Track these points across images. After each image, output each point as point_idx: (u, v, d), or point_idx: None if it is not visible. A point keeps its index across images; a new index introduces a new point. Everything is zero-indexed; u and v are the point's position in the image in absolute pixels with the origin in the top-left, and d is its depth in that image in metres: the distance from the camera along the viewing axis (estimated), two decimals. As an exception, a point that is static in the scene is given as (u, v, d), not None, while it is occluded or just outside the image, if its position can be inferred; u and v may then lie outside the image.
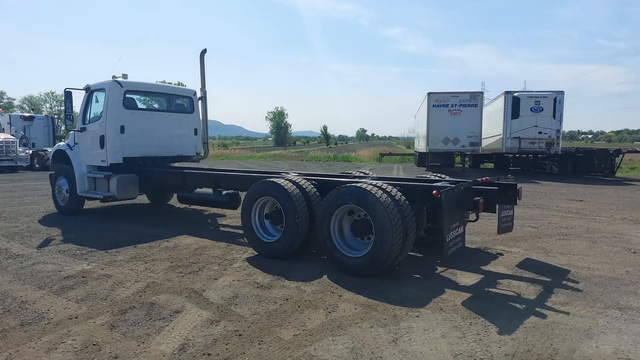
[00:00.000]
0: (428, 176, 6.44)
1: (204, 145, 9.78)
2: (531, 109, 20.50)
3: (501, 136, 21.23)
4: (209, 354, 3.23)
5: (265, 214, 6.03)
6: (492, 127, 22.99)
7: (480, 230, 7.62)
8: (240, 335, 3.55)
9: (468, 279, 5.04)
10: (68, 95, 8.45)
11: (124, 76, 8.58)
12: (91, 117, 8.66)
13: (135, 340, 3.47)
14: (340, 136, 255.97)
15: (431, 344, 3.40)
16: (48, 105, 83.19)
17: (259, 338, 3.49)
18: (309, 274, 5.14)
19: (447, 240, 4.53)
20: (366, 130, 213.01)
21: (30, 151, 23.35)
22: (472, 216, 5.77)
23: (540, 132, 20.46)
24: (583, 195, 13.27)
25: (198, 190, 7.97)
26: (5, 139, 21.75)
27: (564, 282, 4.93)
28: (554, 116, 20.37)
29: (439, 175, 6.49)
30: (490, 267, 5.49)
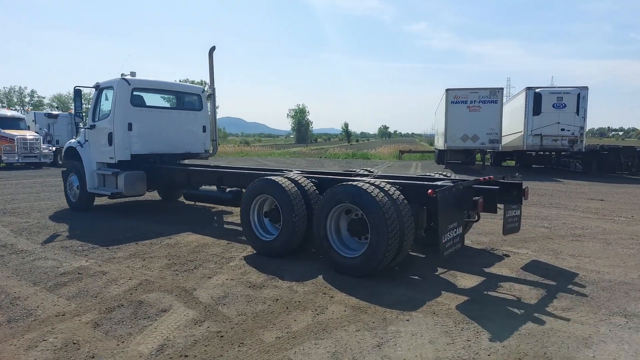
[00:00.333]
0: (432, 175, 6.25)
1: (213, 142, 9.78)
2: (553, 105, 19.90)
3: (522, 133, 20.69)
4: (186, 356, 3.17)
5: (265, 212, 5.95)
6: (514, 124, 22.42)
7: (488, 230, 7.38)
8: (222, 336, 3.48)
9: (468, 281, 4.87)
10: (78, 93, 8.56)
11: (132, 74, 8.63)
12: (100, 114, 8.75)
13: (115, 339, 3.43)
14: (362, 133, 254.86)
15: (417, 350, 3.26)
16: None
17: (240, 340, 3.41)
18: (304, 274, 5.05)
19: (443, 240, 4.37)
20: (388, 128, 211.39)
21: (54, 148, 23.90)
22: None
23: (562, 129, 19.85)
24: (605, 194, 12.79)
25: (203, 187, 7.96)
26: (29, 136, 22.30)
27: (570, 286, 4.70)
28: (577, 112, 19.73)
29: (443, 173, 6.29)
30: (493, 269, 5.29)
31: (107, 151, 8.50)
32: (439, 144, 26.18)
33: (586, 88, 19.86)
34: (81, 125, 8.92)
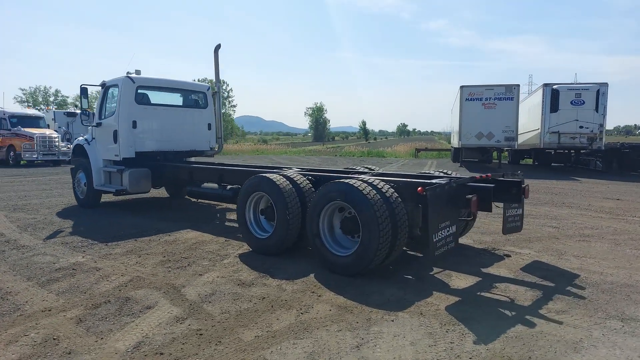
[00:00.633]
0: (431, 172, 6.12)
1: (218, 140, 9.79)
2: (571, 102, 19.41)
3: (539, 131, 20.24)
4: (161, 353, 3.15)
5: (261, 210, 5.92)
6: (531, 121, 21.96)
7: (492, 229, 7.21)
8: (201, 334, 3.45)
9: (463, 281, 4.74)
10: (83, 91, 8.66)
11: (137, 72, 8.70)
12: (106, 112, 8.84)
13: (95, 336, 3.43)
14: (380, 131, 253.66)
15: (396, 352, 3.17)
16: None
17: (219, 338, 3.38)
18: (296, 272, 4.99)
19: (434, 240, 4.26)
20: (407, 126, 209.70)
21: (72, 146, 24.35)
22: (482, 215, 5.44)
23: (581, 127, 19.35)
24: (623, 193, 12.41)
25: (205, 185, 7.97)
26: (48, 134, 22.76)
27: (568, 287, 4.54)
28: (596, 110, 19.20)
29: (444, 171, 6.16)
30: (491, 270, 5.14)
31: (113, 149, 8.59)
32: (454, 141, 25.83)
33: (606, 84, 19.31)
34: (87, 122, 9.02)
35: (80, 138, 9.63)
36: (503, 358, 3.09)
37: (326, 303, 4.09)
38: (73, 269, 5.10)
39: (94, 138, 9.11)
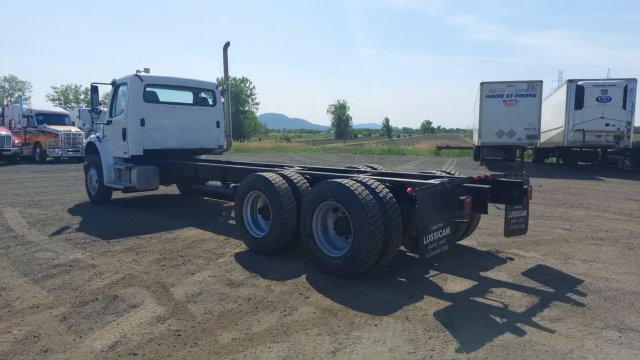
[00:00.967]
0: (434, 172, 5.96)
1: (227, 137, 9.81)
2: (597, 99, 18.75)
3: (563, 129, 19.63)
4: (135, 354, 3.13)
5: (259, 209, 5.88)
6: (555, 119, 21.32)
7: (500, 231, 6.95)
8: (178, 335, 3.42)
9: (458, 285, 4.60)
10: (94, 89, 8.80)
11: (146, 70, 8.78)
12: (116, 110, 8.96)
13: (75, 334, 3.45)
14: (404, 129, 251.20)
15: (373, 359, 3.07)
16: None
17: (195, 340, 3.34)
18: (288, 273, 4.93)
19: (425, 242, 4.12)
20: (431, 123, 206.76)
21: (85, 143, 24.90)
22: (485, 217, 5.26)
23: (607, 124, 18.68)
24: (647, 194, 11.90)
25: (209, 182, 7.99)
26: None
27: (569, 294, 4.34)
28: (624, 106, 18.50)
29: (446, 170, 5.98)
30: (490, 273, 4.97)
31: (122, 146, 8.70)
32: (475, 139, 25.33)
33: (634, 80, 18.58)
34: (97, 120, 9.17)
35: (92, 136, 9.79)
36: (483, 368, 2.96)
37: (312, 305, 4.02)
38: (70, 266, 5.17)
39: (105, 136, 9.25)
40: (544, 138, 23.04)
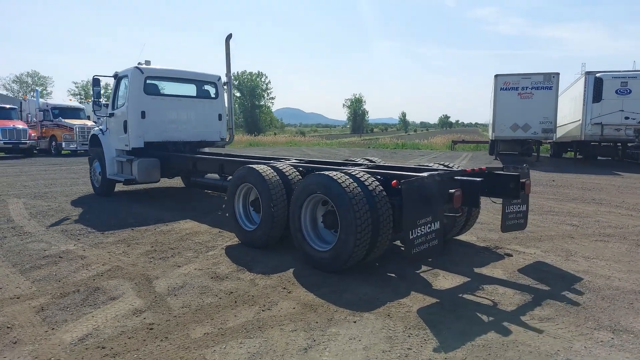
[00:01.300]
0: (431, 165, 5.78)
1: (229, 130, 9.75)
2: (616, 92, 18.16)
3: (580, 122, 19.08)
4: (103, 347, 3.07)
5: (251, 202, 5.79)
6: (573, 112, 20.76)
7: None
8: (151, 329, 3.35)
9: (448, 281, 4.43)
10: (96, 82, 8.82)
11: (147, 62, 8.76)
12: (118, 103, 8.97)
13: (48, 325, 3.40)
14: (421, 123, 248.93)
15: (345, 356, 2.95)
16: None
17: (167, 334, 3.27)
18: (275, 266, 4.84)
19: (411, 237, 3.97)
20: (449, 117, 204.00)
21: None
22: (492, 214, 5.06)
23: (626, 118, 18.08)
24: (665, 190, 11.46)
25: (208, 175, 7.94)
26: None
27: (564, 292, 4.14)
28: (644, 99, 17.86)
29: (444, 163, 5.79)
30: (484, 270, 4.79)
31: (123, 138, 8.71)
32: (490, 133, 24.85)
33: (656, 72, 17.92)
34: (98, 113, 9.20)
35: (96, 128, 9.84)
36: (460, 369, 2.82)
37: (293, 300, 3.91)
38: (60, 257, 5.16)
39: (107, 128, 9.28)
40: (561, 132, 22.47)
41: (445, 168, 5.47)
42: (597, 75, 18.47)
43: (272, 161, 6.72)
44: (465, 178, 4.46)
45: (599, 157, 22.36)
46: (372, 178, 4.62)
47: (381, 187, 4.54)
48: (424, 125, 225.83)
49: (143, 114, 8.52)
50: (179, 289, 4.17)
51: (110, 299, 3.94)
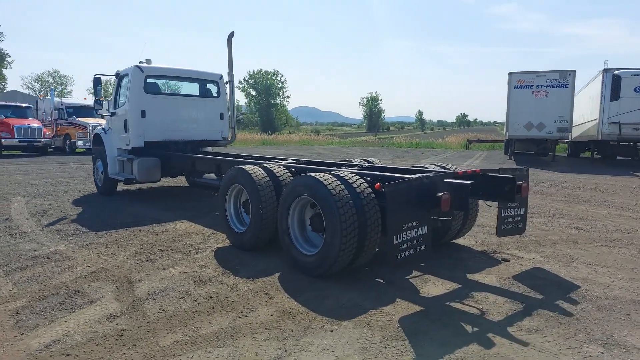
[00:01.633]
0: (427, 166, 5.59)
1: (231, 130, 9.67)
2: (635, 89, 17.57)
3: (597, 121, 18.54)
4: (68, 354, 3.00)
5: (242, 203, 5.70)
6: (590, 111, 20.19)
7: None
8: (121, 335, 3.27)
9: (438, 288, 4.27)
10: (97, 81, 8.82)
11: (148, 61, 8.73)
12: (120, 102, 8.96)
13: (19, 330, 3.35)
14: (438, 121, 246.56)
15: (313, 369, 2.83)
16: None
17: (136, 342, 3.18)
18: (262, 270, 4.73)
19: (396, 242, 3.81)
20: (467, 115, 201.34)
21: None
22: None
23: (646, 116, 17.48)
24: (682, 191, 11.03)
25: (206, 175, 7.88)
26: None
27: (558, 301, 3.94)
28: (664, 97, 17.26)
29: (440, 164, 5.60)
30: (477, 276, 4.61)
31: (124, 138, 8.70)
32: (505, 133, 24.38)
33: (677, 69, 17.31)
34: (100, 112, 9.22)
35: (99, 127, 9.87)
36: (433, 385, 2.67)
37: (272, 307, 3.80)
38: (48, 258, 5.13)
39: (110, 127, 9.30)
40: (579, 131, 21.91)
41: (441, 169, 5.29)
42: (615, 72, 17.91)
43: (267, 161, 6.62)
44: (454, 181, 4.28)
45: (617, 157, 21.72)
46: (361, 180, 4.48)
47: (370, 190, 4.39)
48: (442, 123, 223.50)
49: (143, 113, 8.49)
50: (158, 293, 4.08)
51: (87, 302, 3.88)
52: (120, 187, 9.99)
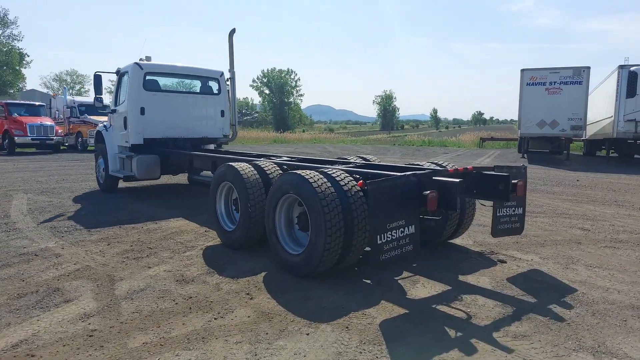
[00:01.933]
0: (422, 164, 5.42)
1: (232, 127, 9.59)
2: (652, 86, 17.03)
3: (613, 119, 18.04)
4: (32, 355, 2.92)
5: (234, 201, 5.60)
6: (606, 108, 19.66)
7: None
8: (91, 336, 3.18)
9: (426, 290, 4.11)
10: (97, 78, 8.80)
11: (147, 58, 8.70)
12: (120, 99, 8.95)
13: (-11, 329, 3.30)
14: (454, 120, 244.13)
15: (281, 374, 2.70)
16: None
17: (104, 342, 3.09)
18: (249, 270, 4.62)
19: (379, 242, 3.66)
20: (483, 114, 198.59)
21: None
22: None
23: (663, 114, 16.95)
24: (699, 191, 10.63)
25: (203, 172, 7.81)
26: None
27: (551, 305, 3.76)
28: (683, 94, 16.71)
29: (436, 162, 5.42)
30: (470, 278, 4.43)
31: (123, 135, 8.69)
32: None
33: (696, 64, 16.73)
34: (101, 110, 9.21)
35: (101, 125, 9.88)
36: (404, 394, 2.52)
37: (251, 308, 3.68)
38: (35, 255, 5.10)
39: (111, 125, 9.29)
40: (594, 129, 21.38)
41: (436, 167, 5.12)
42: (632, 68, 17.39)
43: (262, 159, 6.50)
44: (443, 179, 4.10)
45: (635, 156, 21.13)
46: (349, 178, 4.34)
47: (358, 188, 4.24)
48: (457, 122, 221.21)
49: (142, 110, 8.45)
50: (138, 293, 4.00)
51: (64, 301, 3.81)
52: (122, 184, 9.98)
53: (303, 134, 47.83)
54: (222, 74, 9.49)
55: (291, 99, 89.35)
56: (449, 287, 4.17)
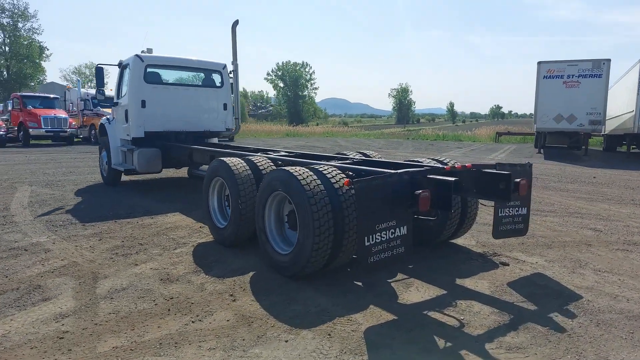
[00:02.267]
0: (421, 161, 5.17)
1: (235, 120, 9.44)
2: (675, 80, 16.38)
3: (633, 113, 17.41)
4: (-3, 358, 2.81)
5: (226, 196, 5.44)
6: (627, 102, 19.00)
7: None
8: (61, 338, 3.06)
9: (420, 294, 3.89)
10: (99, 70, 8.72)
11: (149, 51, 8.58)
12: (122, 92, 8.85)
13: (-40, 328, 3.19)
14: (471, 113, 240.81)
15: (251, 386, 2.53)
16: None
17: (73, 346, 2.96)
18: (237, 269, 4.46)
19: (367, 243, 3.45)
20: (501, 107, 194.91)
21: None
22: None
23: (686, 109, 16.30)
24: None
25: (202, 167, 7.67)
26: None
27: (552, 314, 3.51)
28: None
29: (437, 159, 5.17)
30: (467, 282, 4.20)
31: (125, 128, 8.60)
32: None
33: None
34: (102, 103, 9.14)
35: (104, 118, 9.81)
36: (380, 412, 2.32)
37: (232, 310, 3.52)
38: (25, 250, 5.01)
39: (114, 118, 9.21)
40: (615, 124, 20.70)
41: (436, 164, 4.87)
42: (654, 61, 16.75)
43: (259, 153, 6.33)
44: (437, 177, 3.86)
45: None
46: (342, 175, 4.14)
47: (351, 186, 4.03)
48: (474, 116, 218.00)
49: (143, 103, 8.34)
50: (120, 292, 3.87)
51: (43, 299, 3.70)
52: (126, 177, 9.94)
53: (316, 127, 47.58)
54: (224, 66, 9.32)
55: (305, 92, 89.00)
56: (444, 292, 3.95)
